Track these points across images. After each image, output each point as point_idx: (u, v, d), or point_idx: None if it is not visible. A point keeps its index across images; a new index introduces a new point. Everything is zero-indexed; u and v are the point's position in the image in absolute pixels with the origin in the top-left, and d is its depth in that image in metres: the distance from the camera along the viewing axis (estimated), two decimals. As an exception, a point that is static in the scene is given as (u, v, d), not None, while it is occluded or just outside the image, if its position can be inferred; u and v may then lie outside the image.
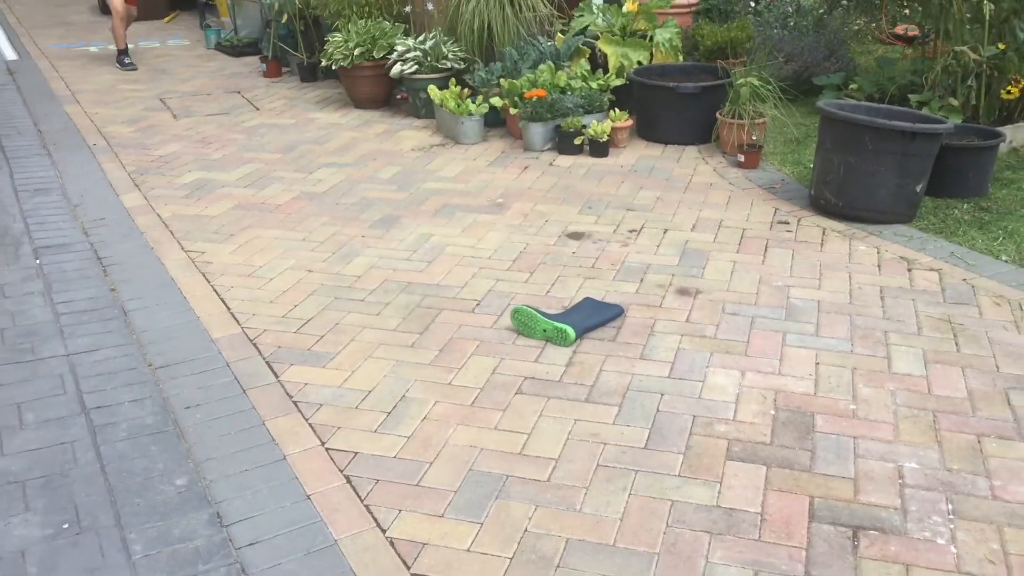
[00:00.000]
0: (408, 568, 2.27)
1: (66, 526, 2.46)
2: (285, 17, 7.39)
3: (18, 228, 4.50)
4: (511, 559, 2.29)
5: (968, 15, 5.34)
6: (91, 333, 3.47)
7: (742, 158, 5.10)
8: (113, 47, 8.31)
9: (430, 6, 6.26)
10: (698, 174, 5.09)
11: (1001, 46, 5.13)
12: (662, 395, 2.97)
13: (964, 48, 5.17)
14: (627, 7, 6.05)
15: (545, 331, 3.30)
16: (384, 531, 2.40)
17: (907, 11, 6.49)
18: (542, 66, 5.70)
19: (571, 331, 3.26)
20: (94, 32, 10.10)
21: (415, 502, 2.50)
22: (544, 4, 6.17)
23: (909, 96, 5.44)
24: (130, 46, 9.11)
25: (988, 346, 3.23)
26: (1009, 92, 5.16)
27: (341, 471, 2.64)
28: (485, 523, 2.41)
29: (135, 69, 7.98)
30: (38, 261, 4.12)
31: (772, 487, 2.53)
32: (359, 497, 2.53)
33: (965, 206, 4.53)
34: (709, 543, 2.32)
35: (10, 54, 8.87)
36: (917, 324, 3.40)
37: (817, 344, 3.27)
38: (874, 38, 7.74)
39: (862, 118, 4.18)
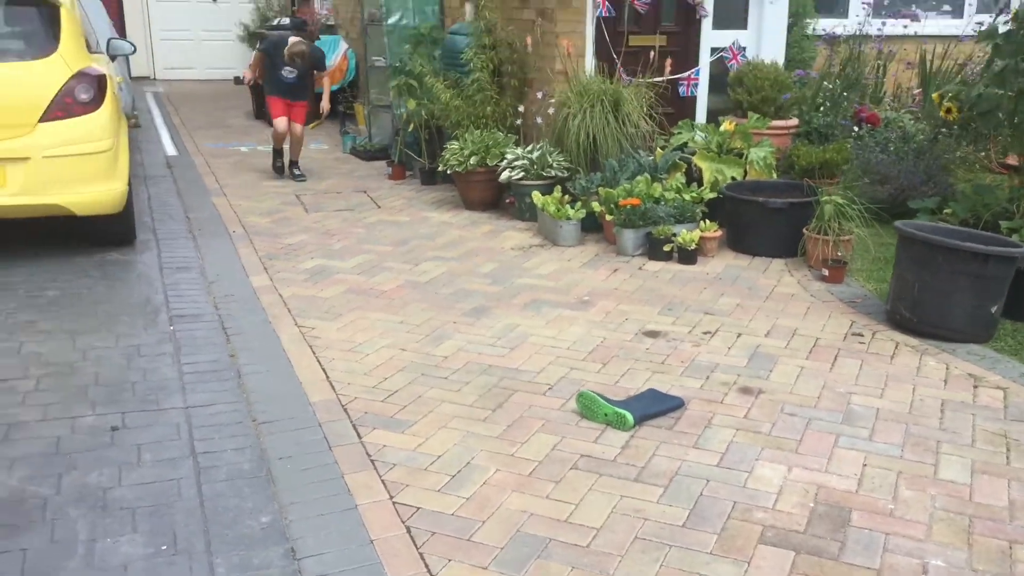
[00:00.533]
0: (449, 608, 2.53)
1: (164, 547, 2.84)
2: (412, 126, 8.07)
3: (158, 299, 5.10)
4: (542, 609, 2.52)
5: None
6: (208, 391, 3.93)
7: (826, 272, 5.28)
8: (262, 147, 9.18)
9: (539, 120, 6.77)
10: (781, 285, 5.30)
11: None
12: (708, 481, 3.17)
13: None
14: (724, 126, 6.40)
15: (606, 415, 3.56)
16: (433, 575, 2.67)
17: (1011, 140, 6.59)
18: (639, 177, 6.08)
19: (630, 417, 3.51)
20: (247, 134, 11.16)
21: (464, 554, 2.77)
22: (646, 121, 6.58)
23: (1000, 223, 5.52)
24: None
25: (1041, 462, 3.29)
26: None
27: (403, 522, 2.94)
28: (524, 577, 2.66)
29: (304, 179, 8.24)
30: (172, 328, 4.67)
31: (797, 570, 2.68)
32: (415, 545, 2.81)
33: (1046, 330, 4.56)
34: (727, 613, 2.49)
35: (171, 150, 9.92)
36: (972, 436, 3.48)
37: (868, 447, 3.40)
38: (983, 166, 7.80)
39: (936, 238, 4.34)
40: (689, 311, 4.86)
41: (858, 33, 8.85)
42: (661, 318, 4.75)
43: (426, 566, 2.72)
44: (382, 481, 3.19)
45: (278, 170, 8.51)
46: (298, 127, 8.26)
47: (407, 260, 5.83)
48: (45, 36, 5.66)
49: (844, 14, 9.36)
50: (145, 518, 2.99)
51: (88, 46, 6.26)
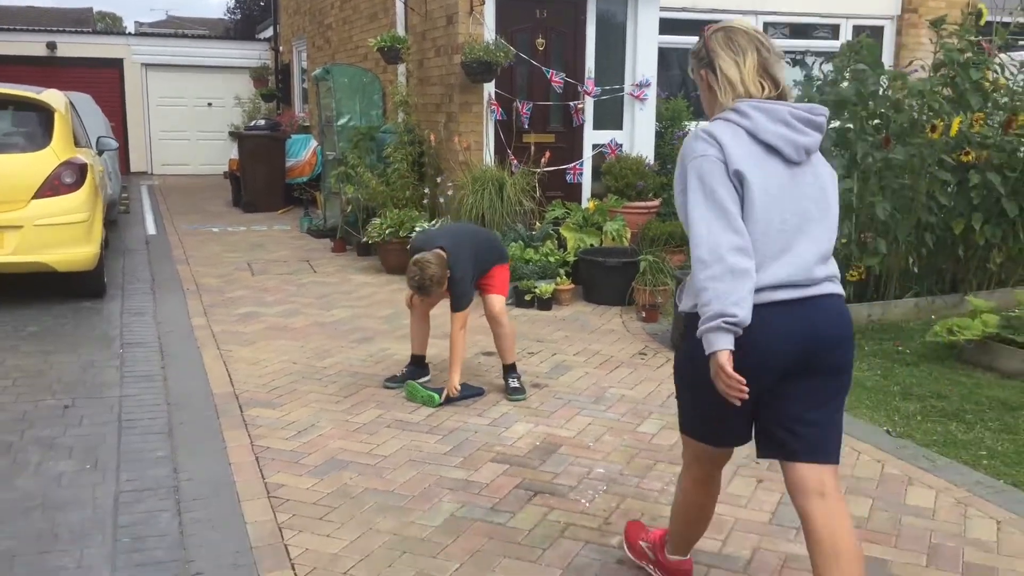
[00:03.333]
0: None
1: (87, 467, 4.17)
2: (350, 208, 9.61)
3: (115, 333, 6.51)
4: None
5: None
6: (139, 387, 5.29)
7: (644, 314, 6.69)
8: (231, 228, 10.68)
9: (442, 200, 8.30)
10: (609, 324, 6.70)
11: (843, 240, 6.65)
12: (476, 432, 4.52)
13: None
14: (587, 205, 7.91)
15: (422, 397, 4.92)
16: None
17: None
18: (514, 244, 7.55)
19: (437, 396, 4.88)
20: (221, 218, 12.75)
21: (290, 469, 4.11)
22: (530, 200, 8.09)
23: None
24: (242, 228, 11.65)
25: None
26: (852, 276, 6.62)
27: (255, 455, 4.27)
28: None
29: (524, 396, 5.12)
30: (121, 351, 6.06)
31: (506, 475, 4.01)
32: (259, 465, 4.15)
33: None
34: (447, 492, 3.82)
35: (152, 230, 11.49)
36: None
37: (598, 416, 4.76)
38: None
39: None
40: (526, 340, 6.25)
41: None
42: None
43: (261, 475, 4.05)
44: (248, 435, 4.53)
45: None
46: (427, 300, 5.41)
47: (322, 307, 7.26)
48: (42, 134, 7.25)
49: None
50: (78, 453, 4.33)
51: (77, 141, 7.84)
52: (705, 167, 2.48)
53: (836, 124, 7.03)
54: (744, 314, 2.37)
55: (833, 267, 2.62)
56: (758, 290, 2.45)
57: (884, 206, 6.68)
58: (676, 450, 4.30)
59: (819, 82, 7.06)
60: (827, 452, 2.64)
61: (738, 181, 2.47)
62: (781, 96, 2.62)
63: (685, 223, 2.54)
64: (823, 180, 2.61)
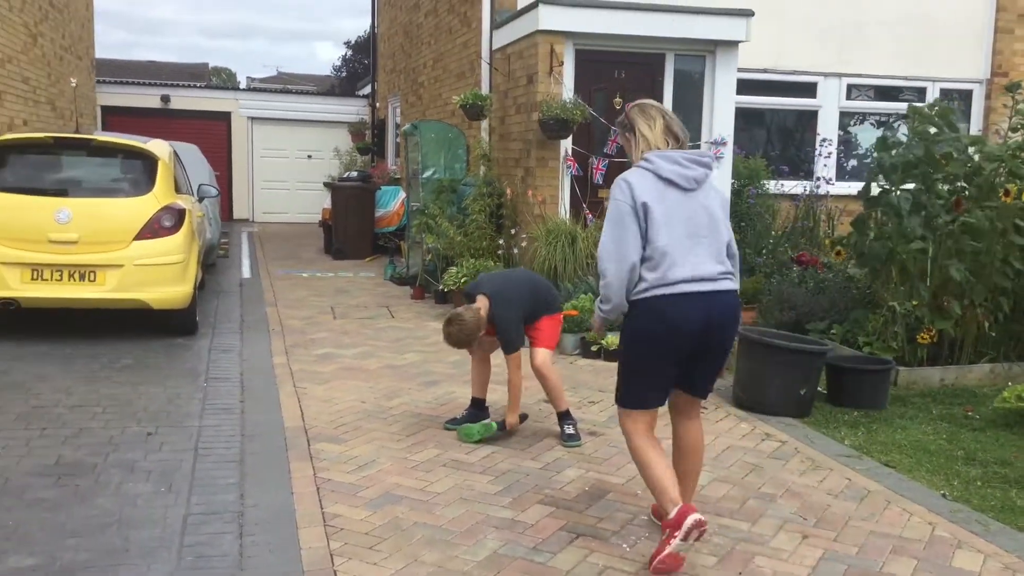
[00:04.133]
0: (322, 520, 4.07)
1: (162, 489, 4.47)
2: (430, 257, 9.95)
3: (201, 368, 6.90)
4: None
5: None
6: (218, 418, 5.62)
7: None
8: (320, 273, 11.14)
9: (515, 251, 8.53)
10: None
11: (914, 302, 6.59)
12: (528, 475, 4.66)
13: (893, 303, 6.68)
14: (658, 259, 8.02)
15: (477, 432, 5.11)
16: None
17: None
18: (583, 296, 7.71)
19: (494, 424, 5.09)
20: (312, 264, 13.30)
21: (347, 500, 4.32)
22: (601, 255, 8.25)
23: (860, 339, 6.92)
24: (330, 275, 12.14)
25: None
26: (922, 338, 6.54)
27: (316, 485, 4.50)
28: (376, 510, 4.19)
29: (579, 443, 5.24)
30: (205, 384, 6.43)
31: (553, 516, 4.13)
32: (318, 495, 4.38)
33: (855, 413, 5.92)
34: (493, 530, 3.97)
35: (247, 274, 12.07)
36: (731, 464, 4.88)
37: (652, 465, 4.84)
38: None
39: (754, 336, 5.81)
40: (587, 389, 6.38)
41: (814, 192, 10.49)
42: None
43: (320, 504, 4.28)
44: (312, 466, 4.78)
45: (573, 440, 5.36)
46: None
47: (395, 351, 7.53)
48: (146, 180, 7.79)
49: (809, 177, 11.04)
50: (156, 476, 4.64)
51: (179, 188, 8.40)
52: (619, 207, 3.60)
53: (910, 186, 7.02)
54: (622, 303, 3.65)
55: (727, 265, 3.69)
56: (672, 283, 3.54)
57: (960, 268, 6.62)
58: (724, 503, 4.35)
59: (892, 143, 7.08)
60: (705, 393, 3.91)
61: (644, 211, 3.55)
62: (681, 146, 3.76)
63: (601, 242, 3.65)
64: (711, 203, 3.69)
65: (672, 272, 3.54)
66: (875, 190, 7.34)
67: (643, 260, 3.57)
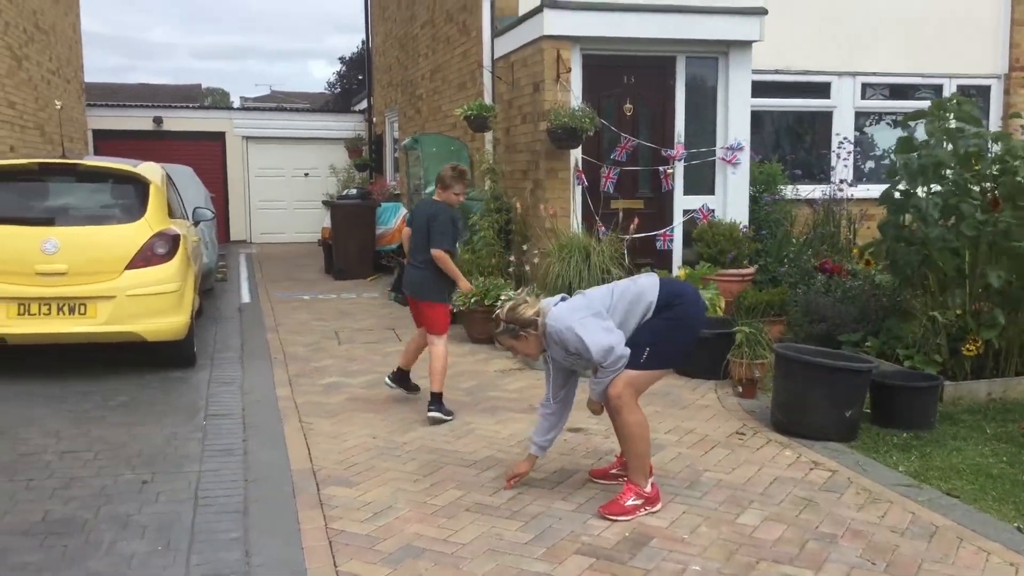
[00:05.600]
0: None
1: (159, 548, 4.05)
2: (437, 275, 9.52)
3: (200, 403, 6.48)
4: None
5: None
6: (219, 461, 5.20)
7: (741, 389, 6.32)
8: (321, 296, 10.72)
9: (527, 268, 8.13)
10: (703, 399, 6.35)
11: (958, 311, 6.18)
12: (560, 519, 4.24)
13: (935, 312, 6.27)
14: (679, 274, 7.62)
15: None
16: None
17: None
18: (602, 314, 7.29)
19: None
20: (313, 286, 12.89)
21: (363, 556, 3.90)
22: (617, 267, 7.85)
23: (899, 351, 6.51)
24: (332, 296, 11.72)
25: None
26: (969, 350, 6.13)
27: (328, 537, 4.08)
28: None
29: (452, 418, 5.93)
30: (205, 423, 6.01)
31: (594, 570, 3.71)
32: (331, 550, 3.96)
33: (904, 435, 5.50)
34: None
35: (246, 298, 11.65)
36: (781, 499, 4.47)
37: (693, 503, 4.42)
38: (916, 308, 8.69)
39: (792, 354, 5.40)
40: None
41: (833, 196, 10.08)
42: (588, 420, 5.83)
43: (334, 562, 3.86)
44: (323, 515, 4.35)
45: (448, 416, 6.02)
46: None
47: (405, 379, 7.11)
48: (137, 206, 7.37)
49: (826, 180, 10.64)
50: (152, 532, 4.22)
51: (172, 212, 7.98)
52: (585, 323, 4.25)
53: (936, 188, 6.63)
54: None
55: None
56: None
57: (998, 273, 6.22)
58: (780, 546, 3.94)
59: (917, 143, 6.68)
60: None
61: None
62: None
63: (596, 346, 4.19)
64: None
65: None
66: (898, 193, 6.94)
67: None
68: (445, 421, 5.89)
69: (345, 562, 3.84)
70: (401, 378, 6.53)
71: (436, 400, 5.94)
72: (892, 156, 10.83)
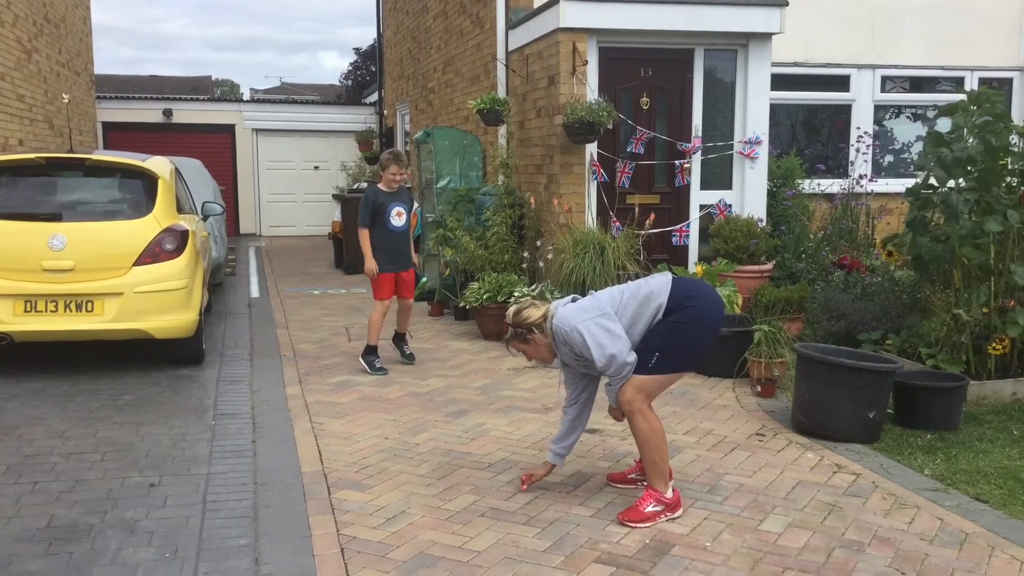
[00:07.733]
0: None
1: (167, 555, 3.94)
2: (448, 271, 9.41)
3: (209, 402, 6.38)
4: None
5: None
6: (228, 464, 5.09)
7: (759, 389, 6.18)
8: (331, 290, 10.62)
9: (541, 264, 7.99)
10: (720, 398, 6.21)
11: (984, 308, 6.02)
12: (578, 525, 4.12)
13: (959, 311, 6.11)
14: (695, 270, 7.47)
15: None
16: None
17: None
18: (617, 311, 7.15)
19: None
20: (323, 280, 12.78)
21: (376, 565, 3.78)
22: (633, 263, 7.71)
23: (921, 350, 6.35)
24: (342, 291, 11.61)
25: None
26: (994, 348, 5.97)
27: (340, 545, 3.97)
28: None
29: (384, 373, 7.08)
30: (213, 423, 5.91)
31: (610, 579, 3.59)
32: (343, 559, 3.85)
33: (928, 436, 5.35)
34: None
35: (255, 293, 11.56)
36: (805, 504, 4.33)
37: (715, 508, 4.29)
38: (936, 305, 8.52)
39: (814, 355, 5.26)
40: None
41: (852, 191, 9.90)
42: (604, 421, 5.70)
43: (346, 570, 3.74)
44: (335, 521, 4.24)
45: (380, 371, 7.20)
46: (407, 300, 7.61)
47: (417, 376, 7.00)
48: (145, 201, 7.26)
49: (844, 174, 10.45)
50: (159, 539, 4.11)
51: (181, 207, 7.87)
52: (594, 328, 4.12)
53: (963, 184, 6.46)
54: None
55: None
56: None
57: (1023, 271, 6.06)
58: (806, 555, 3.80)
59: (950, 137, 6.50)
60: None
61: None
62: None
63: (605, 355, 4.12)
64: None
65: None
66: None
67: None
68: (369, 373, 7.06)
69: (358, 571, 3.73)
70: (397, 338, 7.62)
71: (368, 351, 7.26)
72: (915, 151, 10.67)
